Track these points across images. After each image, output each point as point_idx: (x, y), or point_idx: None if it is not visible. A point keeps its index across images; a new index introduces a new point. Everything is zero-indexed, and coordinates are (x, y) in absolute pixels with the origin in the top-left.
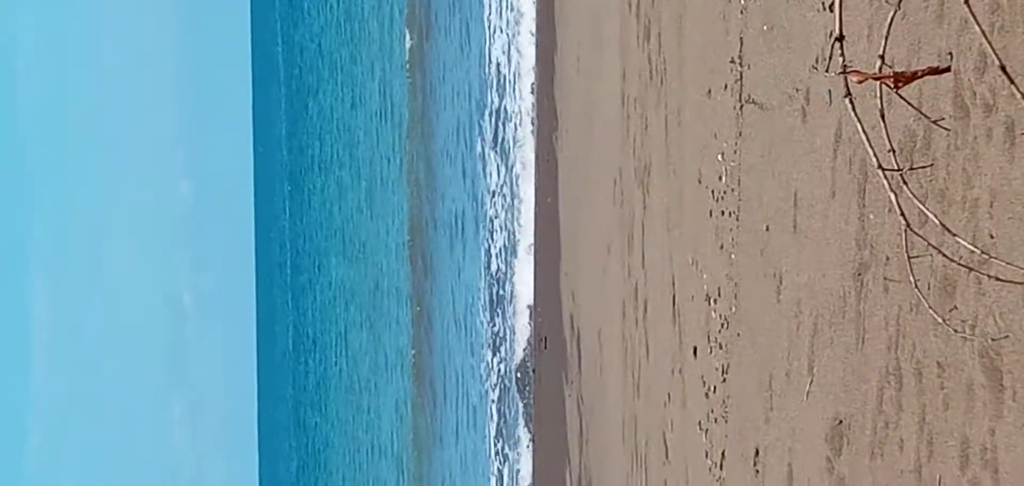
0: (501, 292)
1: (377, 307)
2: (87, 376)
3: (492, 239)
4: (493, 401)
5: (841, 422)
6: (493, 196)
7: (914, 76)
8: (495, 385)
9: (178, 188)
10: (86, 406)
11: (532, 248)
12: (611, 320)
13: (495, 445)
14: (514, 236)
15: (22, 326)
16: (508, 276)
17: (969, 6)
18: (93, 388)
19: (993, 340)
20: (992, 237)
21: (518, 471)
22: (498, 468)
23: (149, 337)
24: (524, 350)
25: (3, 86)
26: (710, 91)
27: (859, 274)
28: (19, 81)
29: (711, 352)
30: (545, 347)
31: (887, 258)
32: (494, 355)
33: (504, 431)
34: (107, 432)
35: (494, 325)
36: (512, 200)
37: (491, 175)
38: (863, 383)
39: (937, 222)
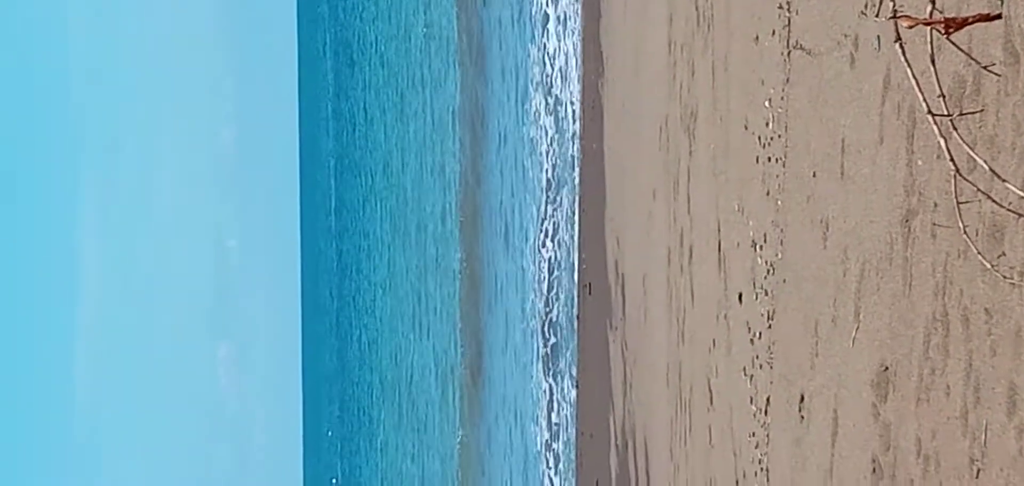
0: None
1: (422, 251)
2: (133, 320)
3: (541, 180)
4: (540, 345)
5: (887, 368)
6: (542, 139)
7: (965, 22)
8: (542, 327)
9: (223, 134)
10: (132, 350)
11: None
12: (656, 266)
13: (542, 387)
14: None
15: (70, 271)
16: (555, 221)
17: None
18: (139, 332)
19: None
20: None
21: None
22: (545, 406)
23: (195, 281)
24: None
25: (53, 35)
26: (758, 37)
27: (907, 220)
28: (69, 29)
29: (756, 298)
30: (590, 293)
31: (935, 204)
32: (542, 299)
33: (551, 373)
34: (152, 375)
35: (542, 269)
36: (559, 144)
37: (540, 116)
38: (910, 329)
39: (986, 168)
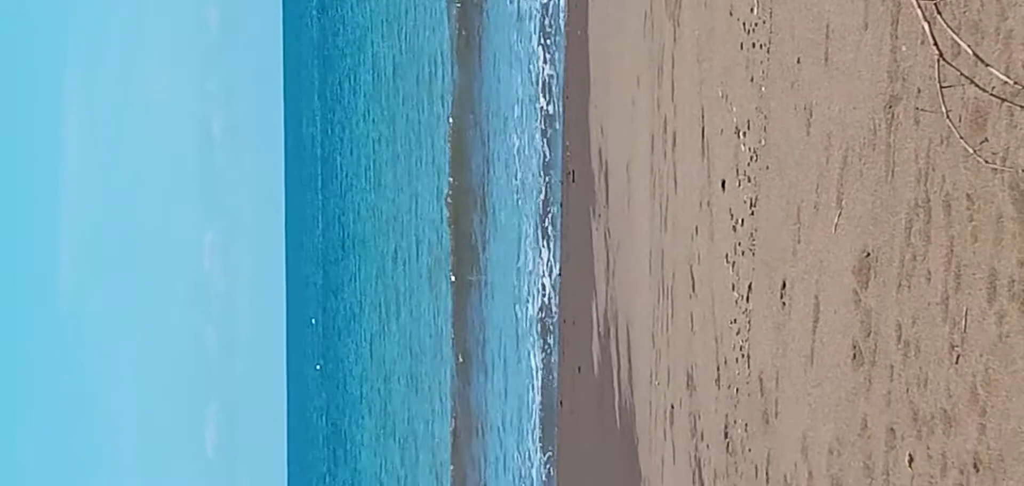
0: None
1: (409, 130)
2: (118, 203)
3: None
4: (529, 215)
5: (869, 255)
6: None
7: None
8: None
9: (208, 15)
10: (117, 232)
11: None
12: (639, 153)
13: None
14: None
15: (53, 151)
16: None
17: None
18: (124, 215)
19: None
20: None
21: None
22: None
23: (180, 165)
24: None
25: None
26: None
27: (890, 106)
28: None
29: (739, 185)
30: (573, 180)
31: (919, 90)
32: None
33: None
34: (136, 258)
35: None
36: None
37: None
38: (892, 216)
39: (970, 52)
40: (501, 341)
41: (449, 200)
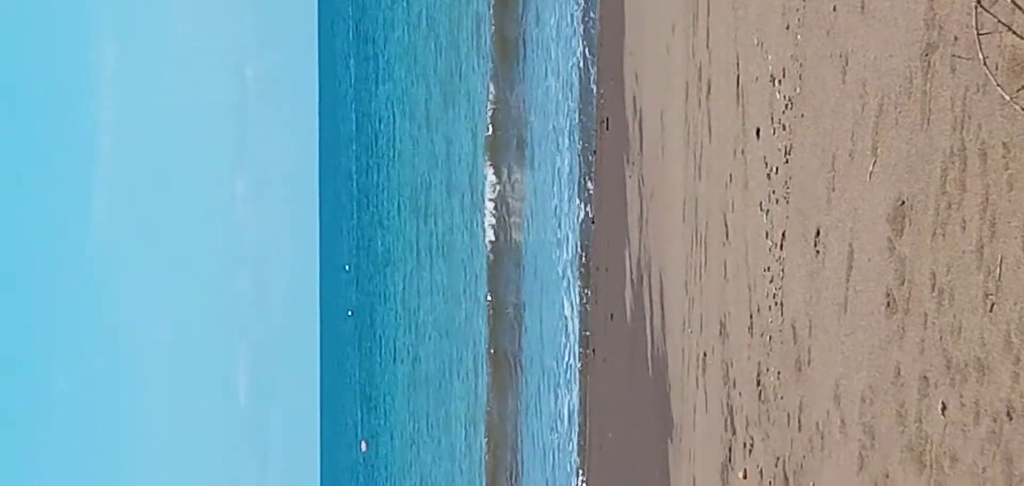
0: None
1: (446, 76)
2: (151, 152)
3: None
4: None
5: (903, 203)
6: None
7: None
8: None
9: None
10: (151, 181)
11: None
12: (674, 101)
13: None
14: None
15: (88, 101)
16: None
17: None
18: (157, 163)
19: None
20: None
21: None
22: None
23: (213, 112)
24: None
25: None
26: None
27: (926, 54)
28: None
29: (774, 133)
30: (607, 128)
31: (955, 37)
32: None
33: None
34: (172, 208)
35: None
36: None
37: None
38: (927, 164)
39: None
40: (534, 287)
41: (485, 146)
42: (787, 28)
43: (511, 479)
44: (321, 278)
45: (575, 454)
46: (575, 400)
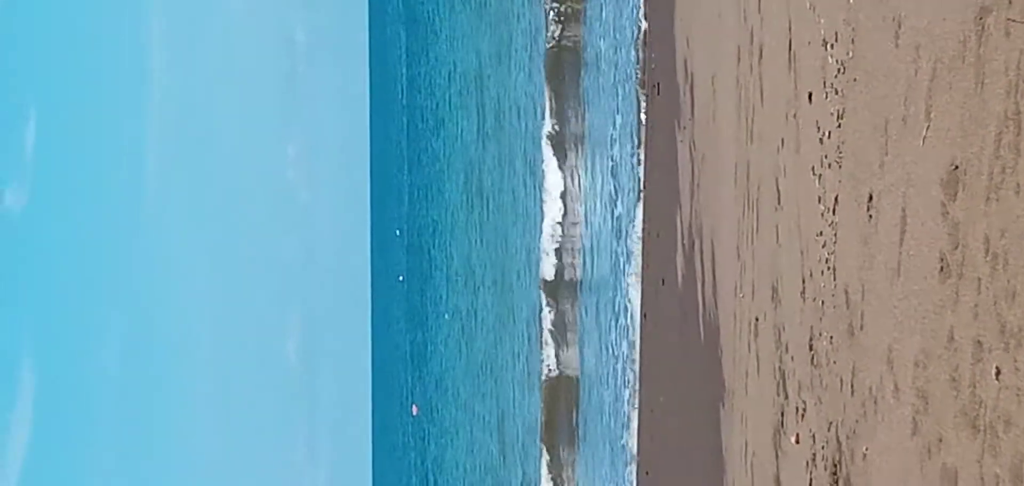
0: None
1: (502, 45)
2: (201, 113)
3: None
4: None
5: (957, 167)
6: None
7: None
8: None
9: None
10: (200, 142)
11: None
12: (725, 65)
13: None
14: None
15: (137, 62)
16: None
17: None
18: (207, 125)
19: None
20: None
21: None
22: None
23: (262, 75)
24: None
25: None
26: None
27: (980, 18)
28: None
29: (826, 97)
30: (658, 93)
31: (1010, 1)
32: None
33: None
34: (222, 171)
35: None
36: None
37: None
38: (981, 128)
39: None
40: (586, 249)
41: (545, 106)
42: None
43: (565, 442)
44: (372, 241)
45: (628, 418)
46: (627, 365)
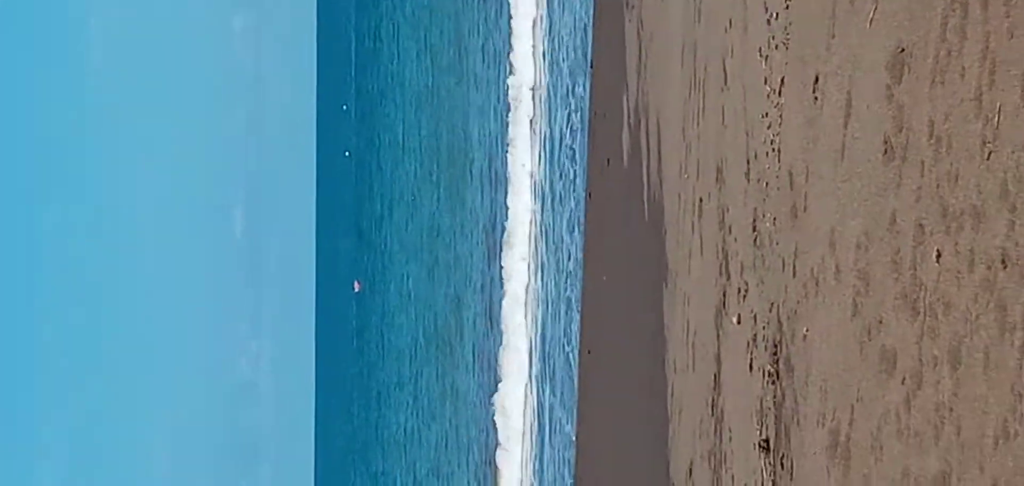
0: None
1: None
2: None
3: None
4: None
5: (903, 50)
6: None
7: None
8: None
9: None
10: (145, 16)
11: None
12: None
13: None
14: None
15: None
16: None
17: None
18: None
19: None
20: None
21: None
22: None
23: None
24: None
25: None
26: None
27: None
28: None
29: None
30: None
31: None
32: None
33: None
34: (167, 45)
35: None
36: None
37: None
38: (927, 11)
39: None
40: (529, 127)
41: None
42: None
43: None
44: (318, 117)
45: (572, 294)
46: (570, 242)
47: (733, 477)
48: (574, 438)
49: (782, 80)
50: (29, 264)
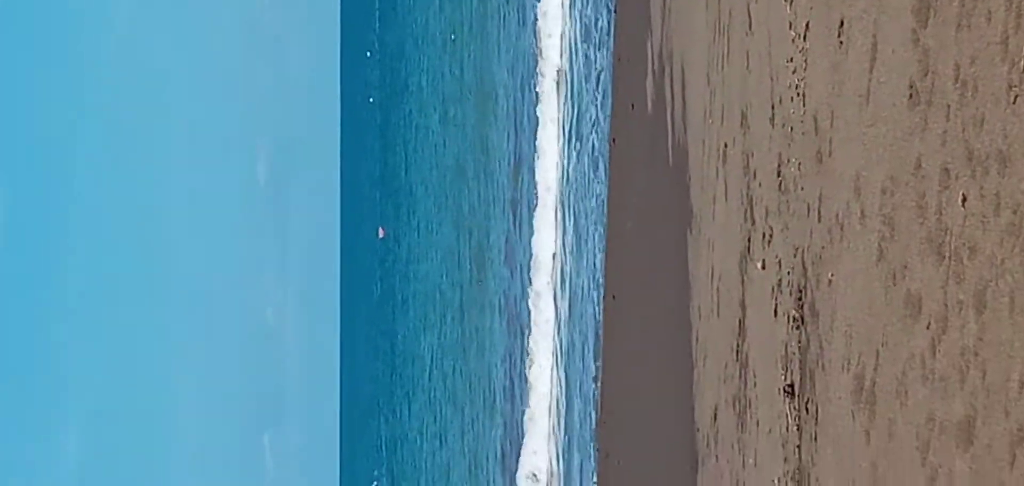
0: None
1: None
2: None
3: None
4: None
5: None
6: None
7: None
8: None
9: None
10: None
11: None
12: None
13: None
14: None
15: None
16: None
17: None
18: None
19: None
20: None
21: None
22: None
23: None
24: None
25: None
26: None
27: None
28: None
29: None
30: None
31: None
32: None
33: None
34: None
35: None
36: None
37: None
38: None
39: None
40: (555, 72)
41: None
42: None
43: (519, 260)
44: (342, 63)
45: (597, 240)
46: (596, 187)
47: (758, 422)
48: (599, 383)
49: (807, 24)
50: (56, 214)
